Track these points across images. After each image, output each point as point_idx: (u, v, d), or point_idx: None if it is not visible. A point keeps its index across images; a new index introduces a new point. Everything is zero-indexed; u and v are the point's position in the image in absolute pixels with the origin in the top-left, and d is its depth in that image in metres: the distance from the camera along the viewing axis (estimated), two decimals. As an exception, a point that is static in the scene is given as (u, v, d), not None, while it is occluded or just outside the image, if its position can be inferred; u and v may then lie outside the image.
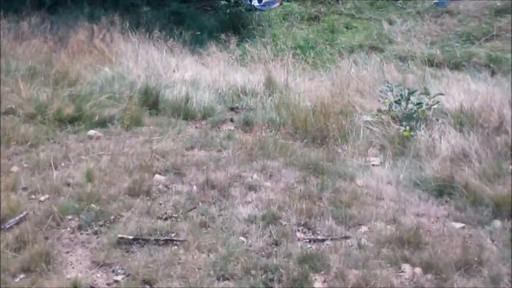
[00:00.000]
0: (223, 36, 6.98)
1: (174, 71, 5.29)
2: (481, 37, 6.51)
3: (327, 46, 6.71)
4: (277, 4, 7.57)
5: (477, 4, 7.12)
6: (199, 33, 6.85)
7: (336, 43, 6.73)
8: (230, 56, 6.50)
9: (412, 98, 4.31)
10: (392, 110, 4.31)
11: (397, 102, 4.31)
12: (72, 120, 4.06)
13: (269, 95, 5.02)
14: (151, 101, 4.47)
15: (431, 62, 6.07)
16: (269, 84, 5.18)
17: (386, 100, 4.37)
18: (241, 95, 5.02)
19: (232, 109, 4.76)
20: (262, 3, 7.56)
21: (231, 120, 4.51)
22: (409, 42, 6.61)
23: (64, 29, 6.38)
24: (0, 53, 5.27)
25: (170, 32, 6.91)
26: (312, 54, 6.59)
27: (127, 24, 6.28)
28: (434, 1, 7.22)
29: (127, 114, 4.21)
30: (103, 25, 6.31)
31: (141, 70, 5.20)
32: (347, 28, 7.07)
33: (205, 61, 6.31)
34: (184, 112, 4.41)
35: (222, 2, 6.95)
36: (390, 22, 7.04)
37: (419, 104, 4.29)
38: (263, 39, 6.90)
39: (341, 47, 6.64)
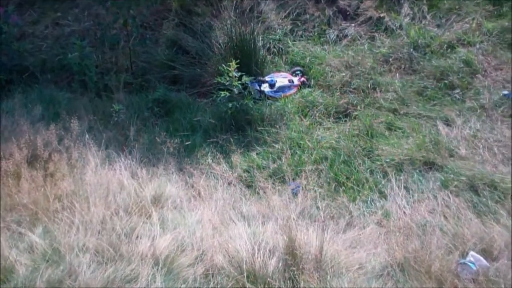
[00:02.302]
0: (222, 138, 5.19)
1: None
2: None
3: (365, 159, 4.86)
4: (294, 90, 5.77)
5: None
6: (188, 142, 4.99)
7: (377, 155, 4.89)
8: (231, 174, 4.71)
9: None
10: None
11: None
12: None
13: (292, 283, 3.16)
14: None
15: (520, 197, 4.24)
16: (291, 256, 3.32)
17: None
18: (246, 283, 3.15)
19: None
20: (275, 88, 5.75)
21: None
22: (479, 156, 4.76)
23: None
24: None
25: (150, 133, 5.14)
26: (344, 171, 4.77)
27: (86, 136, 4.46)
28: (504, 92, 5.40)
29: None
30: (52, 134, 4.48)
31: (90, 233, 3.34)
32: (389, 129, 5.22)
33: (196, 184, 4.51)
34: None
35: (222, 94, 5.11)
36: (447, 122, 5.21)
37: None
38: (276, 146, 5.09)
39: (384, 161, 4.79)
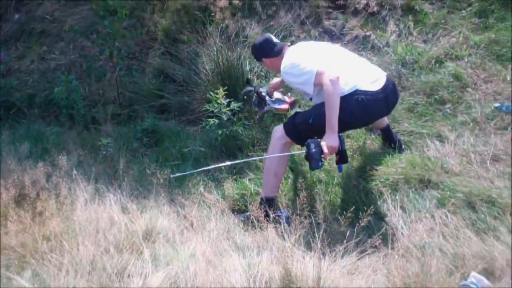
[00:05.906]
0: (213, 166, 5.08)
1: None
2: None
3: (359, 180, 4.79)
4: (287, 106, 5.60)
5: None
6: (176, 175, 4.89)
7: (371, 175, 4.82)
8: (224, 203, 4.62)
9: None
10: None
11: None
12: None
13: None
14: None
15: (517, 212, 4.16)
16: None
17: None
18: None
19: None
20: (273, 98, 5.57)
21: None
22: (474, 172, 4.69)
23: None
24: None
25: (140, 165, 5.06)
26: (338, 194, 4.70)
27: (74, 172, 4.37)
28: (495, 105, 5.35)
29: None
30: (40, 171, 4.40)
31: (80, 274, 3.24)
32: (382, 148, 5.14)
33: (189, 214, 4.41)
34: None
35: (211, 121, 5.05)
36: (440, 138, 5.15)
37: None
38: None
39: (379, 181, 4.72)
